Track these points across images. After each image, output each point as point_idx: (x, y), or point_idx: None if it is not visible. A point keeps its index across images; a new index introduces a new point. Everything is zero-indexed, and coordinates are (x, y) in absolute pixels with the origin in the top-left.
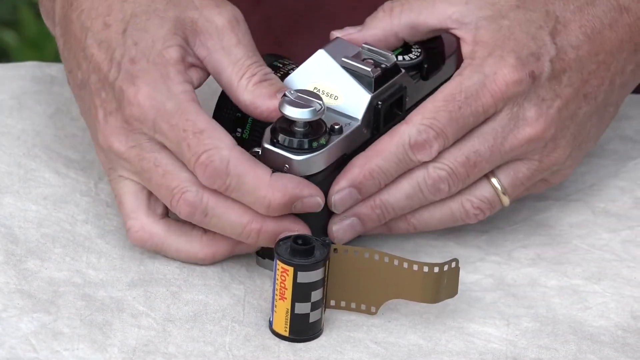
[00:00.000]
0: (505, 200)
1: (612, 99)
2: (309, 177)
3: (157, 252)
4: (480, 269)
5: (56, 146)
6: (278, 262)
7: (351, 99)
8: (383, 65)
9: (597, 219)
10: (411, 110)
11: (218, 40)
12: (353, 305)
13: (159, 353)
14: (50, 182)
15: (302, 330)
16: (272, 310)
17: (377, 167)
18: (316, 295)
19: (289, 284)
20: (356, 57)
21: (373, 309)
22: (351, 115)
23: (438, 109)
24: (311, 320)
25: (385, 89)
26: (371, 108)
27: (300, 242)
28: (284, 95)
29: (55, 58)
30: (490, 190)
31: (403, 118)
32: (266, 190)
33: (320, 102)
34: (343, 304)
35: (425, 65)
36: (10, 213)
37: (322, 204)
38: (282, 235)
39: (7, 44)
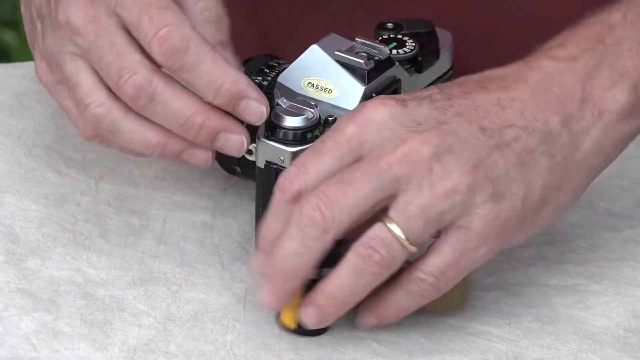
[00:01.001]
0: (399, 235)
1: (535, 147)
2: None
3: (110, 135)
4: (481, 268)
5: (57, 146)
6: None
7: (345, 92)
8: (376, 58)
9: (599, 219)
10: None
11: None
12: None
13: (159, 352)
14: (51, 181)
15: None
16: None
17: (265, 226)
18: None
19: None
20: (349, 50)
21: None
22: (345, 107)
23: (305, 152)
24: None
25: (379, 81)
26: (365, 100)
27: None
28: (277, 104)
29: None
30: (381, 228)
31: None
32: (220, 75)
33: (313, 110)
34: None
35: (420, 59)
36: (11, 212)
37: (265, 116)
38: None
39: (7, 44)
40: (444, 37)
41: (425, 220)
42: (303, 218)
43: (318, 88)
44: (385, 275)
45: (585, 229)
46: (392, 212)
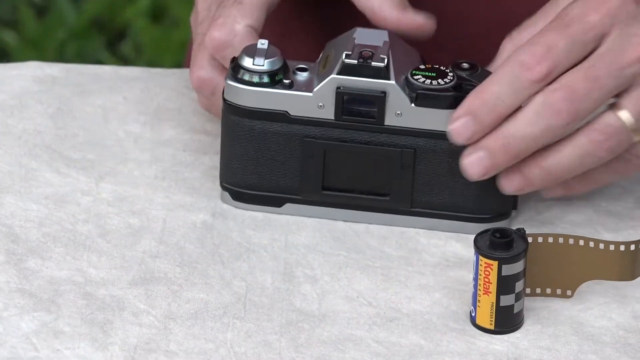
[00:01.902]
0: (632, 126)
1: None
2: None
3: (211, 98)
4: None
5: (57, 146)
6: (480, 257)
7: (327, 72)
8: (372, 63)
9: (600, 219)
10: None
11: None
12: (548, 290)
13: (160, 351)
14: (51, 181)
15: (507, 321)
16: (475, 306)
17: (490, 92)
18: (519, 286)
19: (493, 277)
20: (366, 46)
21: (569, 292)
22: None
23: (546, 30)
24: (515, 310)
25: (357, 83)
26: (329, 89)
27: (498, 235)
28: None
29: (56, 58)
30: (614, 118)
31: (380, 125)
32: None
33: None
34: (538, 290)
35: (432, 94)
36: (11, 212)
37: None
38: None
39: (7, 44)
40: None
41: None
42: (550, 108)
43: (327, 59)
44: (607, 160)
45: (586, 229)
46: (626, 102)
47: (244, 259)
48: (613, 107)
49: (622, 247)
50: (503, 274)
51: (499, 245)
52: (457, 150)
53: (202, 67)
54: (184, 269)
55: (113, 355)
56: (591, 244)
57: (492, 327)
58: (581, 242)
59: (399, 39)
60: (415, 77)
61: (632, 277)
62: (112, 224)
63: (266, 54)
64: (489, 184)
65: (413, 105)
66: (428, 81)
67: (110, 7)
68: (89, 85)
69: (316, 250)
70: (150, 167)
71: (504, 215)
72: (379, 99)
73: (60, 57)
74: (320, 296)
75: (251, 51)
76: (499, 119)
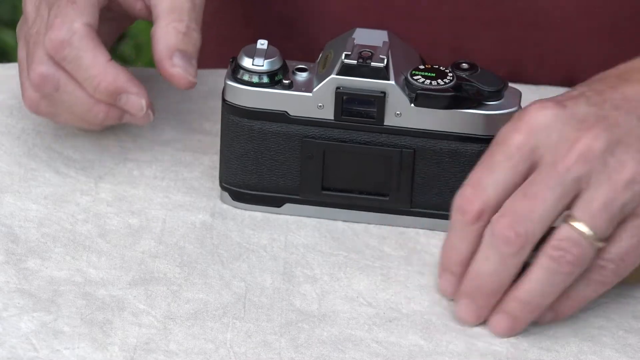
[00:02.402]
0: (589, 234)
1: None
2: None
3: (52, 115)
4: None
5: (56, 146)
6: None
7: (327, 73)
8: (371, 63)
9: None
10: (400, 130)
11: None
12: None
13: (159, 351)
14: (51, 181)
15: None
16: None
17: (447, 244)
18: None
19: None
20: (366, 46)
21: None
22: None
23: (476, 166)
24: None
25: (357, 83)
26: (329, 89)
27: None
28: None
29: None
30: (567, 229)
31: (379, 125)
32: (98, 72)
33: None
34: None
35: (430, 94)
36: (11, 212)
37: (144, 109)
38: None
39: (7, 44)
40: (511, 97)
41: (610, 214)
42: (497, 239)
43: (327, 58)
44: (577, 274)
45: None
46: (577, 212)
47: (243, 259)
48: (567, 218)
49: None
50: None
51: None
52: (457, 150)
53: (42, 63)
54: (183, 269)
55: (113, 356)
56: None
57: None
58: None
59: (398, 38)
60: (415, 77)
61: None
62: (112, 224)
63: (265, 54)
64: None
65: (412, 105)
66: (427, 81)
67: None
68: None
69: (316, 250)
70: (150, 167)
71: None
72: (379, 100)
73: None
74: (320, 296)
75: (250, 51)
76: (464, 266)
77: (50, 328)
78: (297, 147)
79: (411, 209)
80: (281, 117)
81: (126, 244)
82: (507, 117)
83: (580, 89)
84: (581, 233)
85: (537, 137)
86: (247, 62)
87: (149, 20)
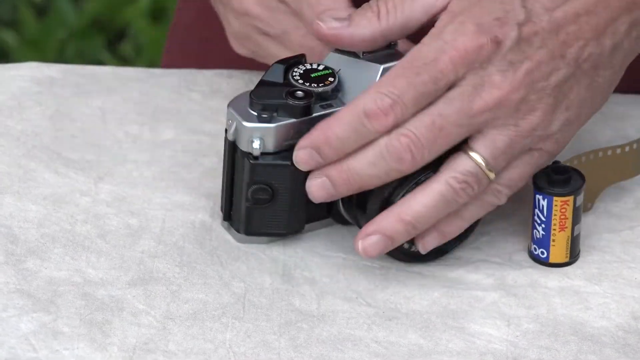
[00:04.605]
0: (490, 173)
1: (603, 62)
2: None
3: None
4: (481, 269)
5: (56, 147)
6: (555, 198)
7: None
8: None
9: (598, 220)
10: None
11: None
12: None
13: (159, 351)
14: (50, 182)
15: (576, 247)
16: (548, 246)
17: (333, 134)
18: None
19: (569, 212)
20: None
21: (589, 205)
22: None
23: (395, 76)
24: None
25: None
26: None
27: (557, 173)
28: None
29: (56, 58)
30: (471, 163)
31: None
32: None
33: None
34: None
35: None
36: (10, 213)
37: None
38: None
39: (7, 44)
40: None
41: (509, 155)
42: (393, 154)
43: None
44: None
45: (584, 230)
46: (479, 147)
47: (242, 260)
48: (468, 149)
49: (627, 148)
50: (577, 205)
51: (562, 181)
52: None
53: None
54: (182, 269)
55: (112, 356)
56: (609, 152)
57: (568, 260)
58: (600, 154)
59: None
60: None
61: (637, 173)
62: (111, 225)
63: None
64: None
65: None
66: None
67: (110, 7)
68: (88, 86)
69: (314, 252)
70: (149, 168)
71: None
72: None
73: (60, 57)
74: (319, 296)
75: None
76: (341, 155)
77: (49, 328)
78: None
79: None
80: None
81: (125, 245)
82: None
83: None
84: (482, 167)
85: (466, 67)
86: None
87: None
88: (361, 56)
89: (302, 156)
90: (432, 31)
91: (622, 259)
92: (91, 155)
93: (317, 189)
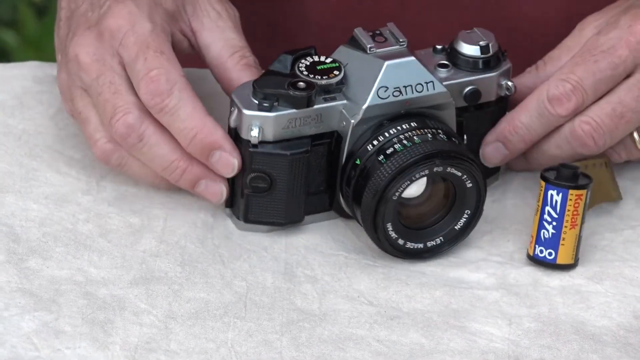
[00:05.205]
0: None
1: None
2: None
3: (120, 167)
4: (483, 268)
5: (58, 146)
6: (571, 191)
7: None
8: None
9: (599, 219)
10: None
11: (215, 19)
12: None
13: (160, 350)
14: (52, 181)
15: (578, 253)
16: (557, 246)
17: (519, 123)
18: None
19: (581, 208)
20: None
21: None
22: None
23: (575, 64)
24: None
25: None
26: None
27: (567, 169)
28: None
29: (56, 58)
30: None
31: None
32: (196, 124)
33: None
34: None
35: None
36: (12, 212)
37: (236, 169)
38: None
39: (7, 44)
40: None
41: None
42: (577, 139)
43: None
44: None
45: (586, 230)
46: None
47: (244, 259)
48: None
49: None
50: (586, 202)
51: (572, 176)
52: None
53: (128, 112)
54: (184, 269)
55: (114, 355)
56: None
57: (573, 262)
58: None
59: None
60: None
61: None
62: (113, 224)
63: None
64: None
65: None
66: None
67: None
68: None
69: (316, 250)
70: None
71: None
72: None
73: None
74: (321, 295)
75: None
76: (528, 145)
77: (51, 327)
78: None
79: None
80: None
81: (127, 244)
82: None
83: None
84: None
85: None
86: None
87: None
88: (368, 51)
89: (488, 151)
90: (609, 22)
91: (623, 259)
92: (93, 154)
93: (493, 153)
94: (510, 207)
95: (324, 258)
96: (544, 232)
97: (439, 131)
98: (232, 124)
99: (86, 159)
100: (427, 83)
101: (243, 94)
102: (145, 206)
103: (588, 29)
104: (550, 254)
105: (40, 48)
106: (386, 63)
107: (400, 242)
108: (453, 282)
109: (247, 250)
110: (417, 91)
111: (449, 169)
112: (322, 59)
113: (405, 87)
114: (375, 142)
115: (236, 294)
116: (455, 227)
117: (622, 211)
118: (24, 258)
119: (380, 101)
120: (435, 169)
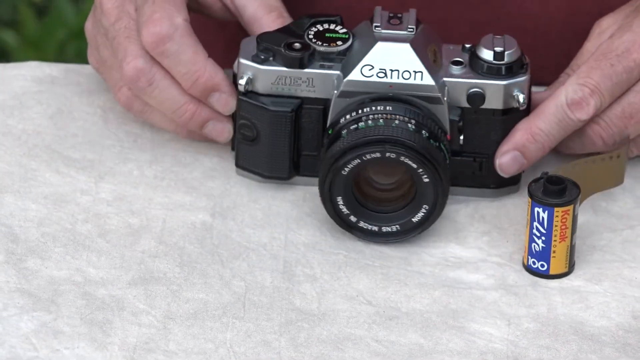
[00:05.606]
0: None
1: None
2: None
3: (142, 113)
4: (482, 268)
5: (57, 146)
6: (556, 208)
7: None
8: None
9: (599, 219)
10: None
11: None
12: None
13: (159, 351)
14: (51, 181)
15: (573, 258)
16: (549, 258)
17: (538, 129)
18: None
19: (569, 222)
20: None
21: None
22: None
23: (591, 68)
24: None
25: None
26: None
27: (553, 183)
28: None
29: (56, 58)
30: None
31: None
32: (199, 67)
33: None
34: None
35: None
36: (11, 212)
37: (233, 109)
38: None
39: (7, 44)
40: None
41: None
42: (587, 138)
43: None
44: None
45: (585, 230)
46: None
47: (243, 258)
48: None
49: (611, 158)
50: (575, 213)
51: (559, 191)
52: None
53: (138, 57)
54: (183, 269)
55: (112, 355)
56: (594, 161)
57: (567, 270)
58: (585, 163)
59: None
60: None
61: (622, 181)
62: (112, 224)
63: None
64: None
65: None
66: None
67: None
68: (89, 85)
69: (316, 249)
70: (150, 167)
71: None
72: None
73: (60, 57)
74: (320, 295)
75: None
76: (546, 152)
77: (50, 328)
78: None
79: None
80: None
81: (126, 244)
82: None
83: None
84: None
85: None
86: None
87: (227, 19)
88: (374, 30)
89: (505, 161)
90: (623, 23)
91: (622, 259)
92: (92, 155)
93: (509, 163)
94: (509, 207)
95: (323, 256)
96: (534, 245)
97: (412, 121)
98: (235, 70)
99: (85, 159)
100: (415, 72)
101: (249, 44)
102: (144, 207)
103: (607, 32)
104: (542, 265)
105: (40, 48)
106: (378, 43)
107: (353, 219)
108: (452, 282)
109: (246, 249)
110: (404, 77)
111: (402, 158)
112: (337, 28)
113: (392, 70)
114: (348, 117)
115: (235, 294)
116: (412, 219)
117: (621, 211)
118: (22, 258)
119: (362, 78)
120: (387, 154)
